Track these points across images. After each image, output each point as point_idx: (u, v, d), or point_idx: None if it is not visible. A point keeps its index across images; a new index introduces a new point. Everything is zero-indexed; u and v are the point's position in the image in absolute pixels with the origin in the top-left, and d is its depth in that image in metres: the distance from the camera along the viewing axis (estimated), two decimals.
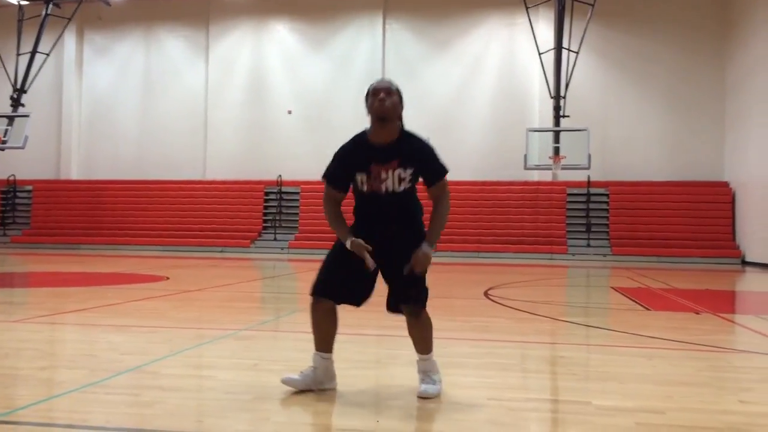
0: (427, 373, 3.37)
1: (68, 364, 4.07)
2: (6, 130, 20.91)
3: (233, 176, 24.27)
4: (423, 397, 3.23)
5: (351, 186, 3.36)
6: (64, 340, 5.15)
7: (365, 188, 3.28)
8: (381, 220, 3.32)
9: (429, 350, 3.40)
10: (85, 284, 9.52)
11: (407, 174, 3.24)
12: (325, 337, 3.39)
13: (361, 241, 3.21)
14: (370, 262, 3.19)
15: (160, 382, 3.50)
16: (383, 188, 3.25)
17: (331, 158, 3.35)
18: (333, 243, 3.42)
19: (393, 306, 3.37)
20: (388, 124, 3.23)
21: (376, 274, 3.35)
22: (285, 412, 3.02)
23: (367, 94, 3.28)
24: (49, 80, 25.18)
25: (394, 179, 3.24)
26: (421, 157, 3.27)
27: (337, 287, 3.32)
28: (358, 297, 3.37)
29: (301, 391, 3.33)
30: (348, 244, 3.22)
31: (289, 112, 24.10)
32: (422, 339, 3.41)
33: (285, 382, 3.33)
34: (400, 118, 3.29)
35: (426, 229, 3.33)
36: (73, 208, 24.27)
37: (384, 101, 3.19)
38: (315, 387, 3.34)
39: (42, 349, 4.54)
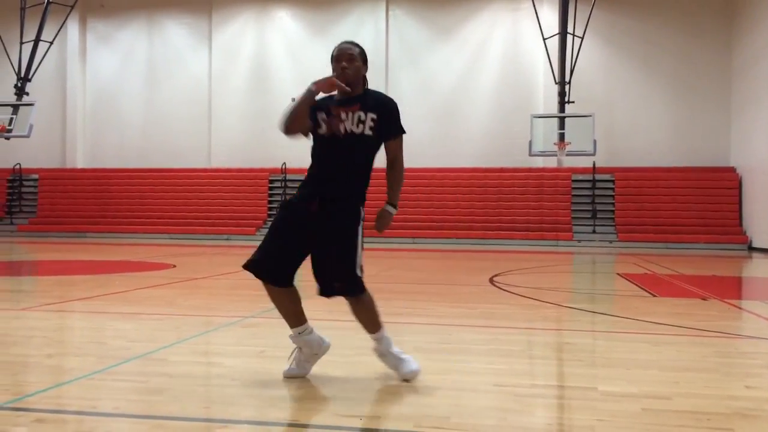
0: (389, 353, 3.33)
1: (76, 352, 4.09)
2: (11, 119, 20.93)
3: (238, 164, 24.28)
4: (408, 379, 3.24)
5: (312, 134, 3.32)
6: (71, 328, 5.18)
7: (324, 128, 3.25)
8: (331, 174, 3.23)
9: (379, 326, 3.36)
10: (92, 272, 9.56)
11: (368, 118, 3.22)
12: (289, 312, 3.36)
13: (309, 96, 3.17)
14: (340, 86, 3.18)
15: (168, 369, 3.52)
16: (342, 128, 3.22)
17: None
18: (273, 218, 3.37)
19: (325, 293, 3.32)
20: (352, 89, 3.27)
21: (306, 255, 3.28)
22: (291, 398, 3.04)
23: (331, 58, 3.30)
24: (53, 68, 25.18)
25: (353, 119, 3.22)
26: (383, 107, 3.28)
27: (273, 266, 3.25)
28: (285, 273, 3.26)
29: (307, 379, 3.35)
30: (309, 88, 3.17)
31: (293, 100, 23.87)
32: (368, 319, 3.36)
33: (287, 375, 3.35)
34: (364, 79, 3.33)
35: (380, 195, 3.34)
36: (78, 196, 24.34)
37: (346, 69, 3.23)
38: (312, 363, 3.38)
39: (50, 336, 4.57)
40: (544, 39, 19.86)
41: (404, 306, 6.19)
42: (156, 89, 25.46)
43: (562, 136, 19.52)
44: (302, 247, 3.25)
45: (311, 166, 3.35)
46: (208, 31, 25.11)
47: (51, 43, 22.22)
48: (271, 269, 3.25)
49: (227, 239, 21.58)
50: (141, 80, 25.61)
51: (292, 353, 3.41)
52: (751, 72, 19.77)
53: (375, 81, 24.86)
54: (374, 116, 3.23)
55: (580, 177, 21.98)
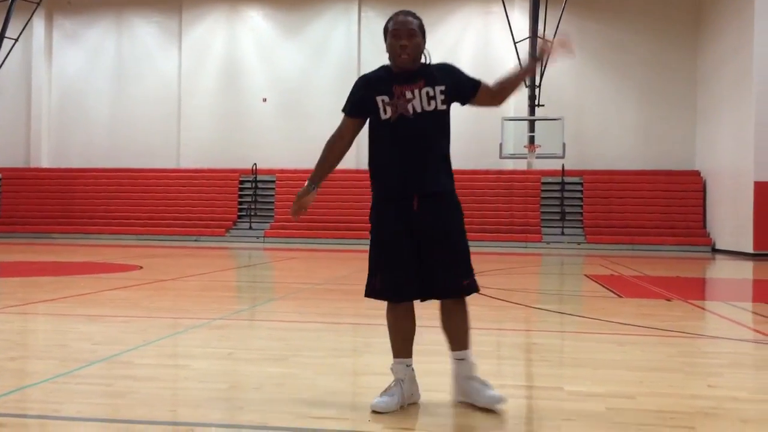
0: (472, 377, 2.94)
1: (39, 355, 4.02)
2: None
3: (208, 164, 24.04)
4: (491, 408, 2.84)
5: (370, 127, 3.00)
6: (35, 331, 5.08)
7: (390, 113, 2.90)
8: (413, 161, 2.90)
9: (469, 343, 2.99)
10: (57, 274, 9.38)
11: (436, 92, 2.91)
12: (408, 339, 2.99)
13: (311, 196, 3.03)
14: (296, 216, 3.06)
15: (134, 371, 3.47)
16: (410, 108, 2.89)
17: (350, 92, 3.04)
18: (369, 231, 3.03)
19: (453, 294, 2.96)
20: (412, 67, 2.95)
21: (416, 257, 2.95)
22: (260, 400, 3.02)
23: (386, 30, 2.94)
24: (18, 66, 24.65)
25: (421, 97, 2.90)
26: (447, 73, 2.99)
27: (407, 286, 2.92)
28: (417, 289, 2.95)
29: (277, 381, 3.33)
30: (306, 185, 3.03)
31: (264, 100, 23.91)
32: (464, 328, 2.98)
33: (377, 407, 2.81)
34: (425, 55, 2.99)
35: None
36: (44, 196, 23.87)
37: (406, 48, 2.87)
38: (406, 402, 2.90)
39: (12, 339, 4.47)
40: (514, 42, 20.05)
41: (375, 307, 6.18)
42: (124, 88, 25.09)
43: (532, 139, 19.72)
44: (415, 248, 2.93)
45: (379, 157, 2.99)
46: (177, 30, 24.82)
47: (16, 40, 21.76)
48: (404, 286, 2.91)
49: (196, 240, 21.35)
50: (109, 79, 25.21)
51: (390, 386, 2.92)
52: (714, 78, 20.22)
53: (347, 81, 24.97)
54: (442, 88, 2.92)
55: (550, 180, 22.23)
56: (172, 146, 24.64)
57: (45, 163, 25.32)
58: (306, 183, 3.07)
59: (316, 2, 23.94)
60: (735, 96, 18.37)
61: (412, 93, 2.91)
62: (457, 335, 2.97)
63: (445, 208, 2.96)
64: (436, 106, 2.93)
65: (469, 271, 2.95)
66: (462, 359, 2.96)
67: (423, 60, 2.98)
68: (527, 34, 20.15)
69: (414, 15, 2.96)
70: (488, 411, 2.86)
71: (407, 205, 2.91)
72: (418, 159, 2.92)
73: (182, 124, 24.60)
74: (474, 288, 2.96)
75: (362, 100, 2.97)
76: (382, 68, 3.02)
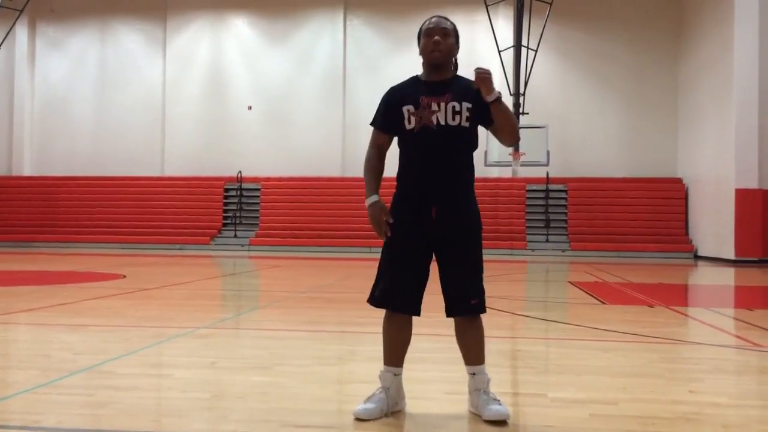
0: (484, 391, 2.90)
1: (20, 365, 3.97)
2: None
3: (192, 172, 23.93)
4: (494, 421, 2.78)
5: (398, 139, 3.01)
6: (15, 340, 5.02)
7: (414, 124, 2.91)
8: (433, 172, 2.91)
9: (483, 359, 2.98)
10: (38, 283, 9.28)
11: (462, 108, 2.91)
12: (400, 349, 3.01)
13: (383, 205, 2.94)
14: (385, 231, 2.94)
15: (116, 381, 3.44)
16: (434, 120, 2.89)
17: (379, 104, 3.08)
18: (383, 242, 3.01)
19: (459, 312, 2.98)
20: (441, 69, 2.98)
21: (428, 271, 3.00)
22: (243, 410, 3.00)
23: (420, 33, 2.99)
24: (0, 74, 24.45)
25: (446, 111, 2.90)
26: (477, 94, 2.91)
27: (409, 298, 2.95)
28: (419, 302, 3.00)
29: (261, 389, 3.31)
30: (368, 202, 2.96)
31: (249, 108, 23.86)
32: (477, 346, 2.98)
33: (360, 414, 2.83)
34: (455, 62, 3.03)
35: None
36: (26, 204, 23.64)
37: (439, 45, 2.91)
38: (390, 411, 2.90)
39: None
40: (499, 51, 20.19)
41: (359, 315, 6.18)
42: (108, 95, 24.95)
43: (516, 147, 19.82)
44: (427, 260, 2.99)
45: (403, 164, 3.00)
46: (162, 38, 24.75)
47: None
48: (407, 298, 2.94)
49: (180, 249, 21.22)
50: (93, 86, 25.06)
51: (374, 394, 2.94)
52: (694, 86, 20.47)
53: (333, 89, 24.91)
54: (469, 105, 2.91)
55: (534, 187, 22.35)
56: (156, 154, 24.51)
57: (27, 171, 25.09)
58: (367, 201, 2.98)
59: (302, 10, 23.97)
60: (716, 104, 18.61)
61: (438, 105, 2.92)
62: (470, 352, 2.98)
63: (464, 216, 2.98)
64: (460, 122, 2.93)
65: (479, 290, 2.95)
66: (474, 374, 2.95)
67: (453, 68, 3.02)
68: (512, 43, 20.30)
69: (447, 19, 3.03)
70: (483, 421, 2.87)
71: (426, 214, 2.93)
72: (439, 171, 2.93)
73: (167, 132, 24.49)
74: (481, 309, 2.95)
75: (389, 112, 3.00)
76: (412, 78, 3.06)
